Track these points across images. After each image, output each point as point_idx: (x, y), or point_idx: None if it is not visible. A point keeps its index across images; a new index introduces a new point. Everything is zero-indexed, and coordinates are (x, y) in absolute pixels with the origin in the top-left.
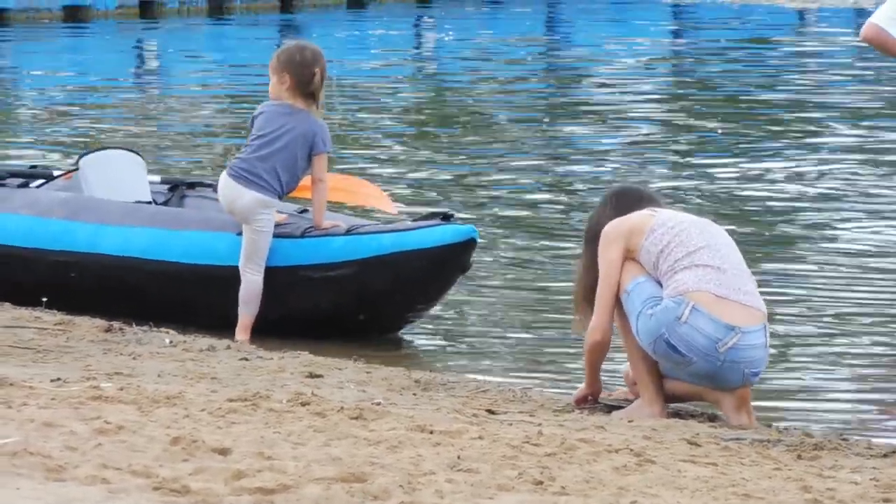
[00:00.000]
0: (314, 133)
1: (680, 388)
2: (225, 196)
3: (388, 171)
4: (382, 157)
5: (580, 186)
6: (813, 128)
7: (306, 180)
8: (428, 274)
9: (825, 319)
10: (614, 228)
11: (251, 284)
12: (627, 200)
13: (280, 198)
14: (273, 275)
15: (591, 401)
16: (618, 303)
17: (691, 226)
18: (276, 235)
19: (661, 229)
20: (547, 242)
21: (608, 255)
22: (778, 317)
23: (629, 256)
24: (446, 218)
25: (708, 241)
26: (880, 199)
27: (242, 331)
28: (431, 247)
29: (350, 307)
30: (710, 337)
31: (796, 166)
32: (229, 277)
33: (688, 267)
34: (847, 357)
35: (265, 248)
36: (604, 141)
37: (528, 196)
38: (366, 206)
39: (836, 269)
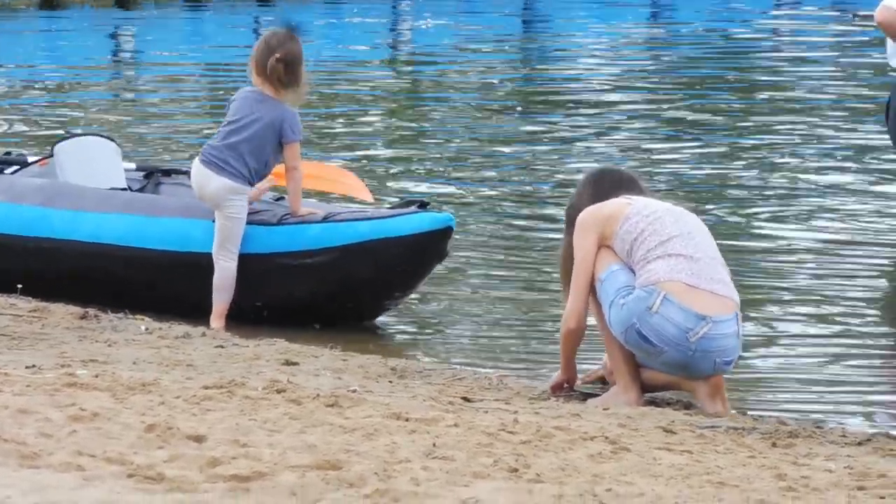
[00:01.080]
0: (282, 121)
1: (655, 378)
2: (196, 181)
3: (365, 159)
4: (359, 145)
5: (557, 174)
6: (788, 117)
7: (282, 167)
8: (405, 261)
9: (799, 307)
10: (590, 215)
11: (224, 271)
12: (607, 183)
13: (251, 184)
14: (249, 262)
15: (567, 388)
16: (593, 290)
17: (666, 214)
18: (252, 223)
19: (636, 217)
20: (524, 230)
21: (583, 242)
22: (752, 305)
23: (604, 244)
24: (423, 206)
25: (682, 230)
26: (853, 186)
27: (217, 318)
28: (408, 234)
29: (327, 294)
30: (681, 327)
31: (769, 154)
32: (205, 264)
33: (660, 256)
34: (821, 345)
35: (238, 235)
36: (581, 128)
37: (505, 184)
38: (343, 194)
39: (809, 257)
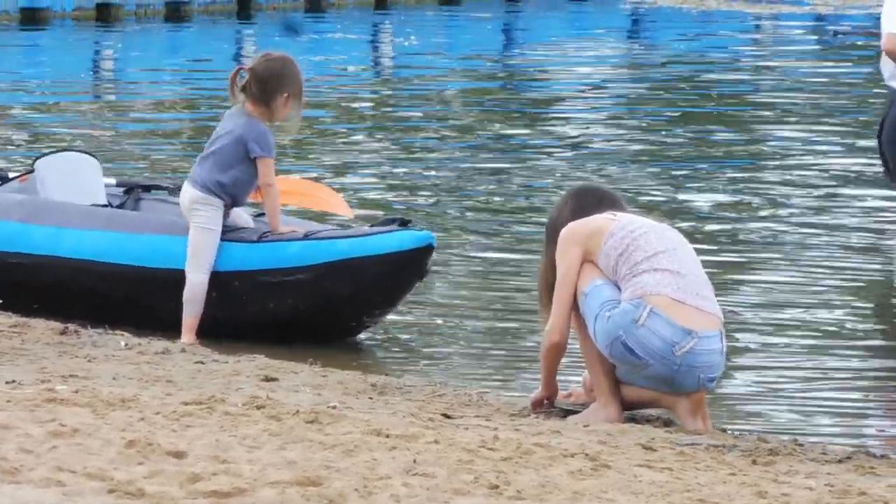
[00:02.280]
0: (247, 138)
1: (635, 394)
2: (180, 198)
3: (346, 175)
4: (340, 161)
5: (539, 191)
6: (769, 128)
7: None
8: (385, 279)
9: (780, 325)
10: (574, 231)
11: (193, 285)
12: (588, 199)
13: (220, 198)
14: (230, 279)
15: (548, 404)
16: (575, 305)
17: (651, 230)
18: (232, 240)
19: (621, 233)
20: (505, 246)
21: (567, 257)
22: (733, 322)
23: (587, 259)
24: (403, 224)
25: (667, 246)
26: (833, 204)
27: (187, 332)
28: (389, 252)
29: (307, 312)
30: (667, 340)
31: (750, 171)
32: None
33: (647, 270)
34: (802, 363)
35: (207, 248)
36: (562, 143)
37: (485, 200)
38: (322, 209)
39: (791, 274)
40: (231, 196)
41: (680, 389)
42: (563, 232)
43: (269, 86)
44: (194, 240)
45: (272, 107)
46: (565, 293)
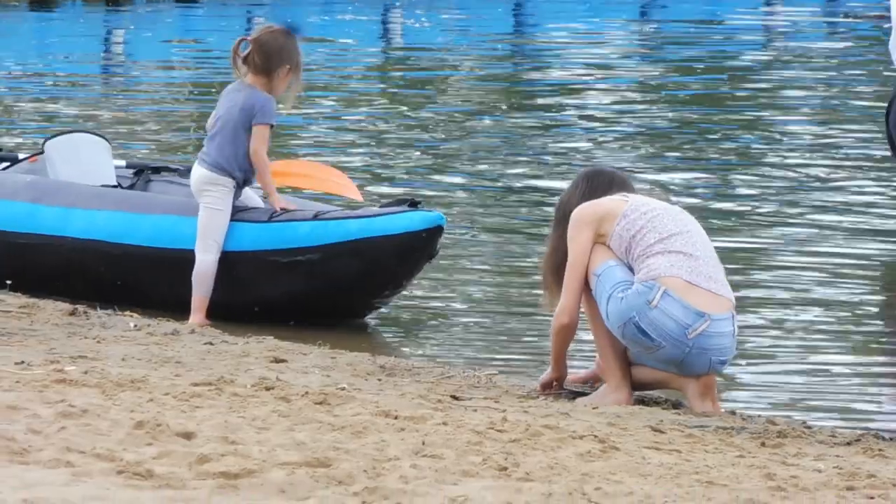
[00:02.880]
0: (252, 105)
1: (646, 375)
2: (191, 178)
3: (355, 157)
4: (349, 143)
5: (548, 172)
6: (780, 116)
7: (279, 165)
8: (394, 260)
9: (789, 306)
10: (586, 212)
11: (202, 264)
12: (599, 182)
13: (232, 177)
14: (240, 259)
15: (557, 386)
16: (586, 287)
17: (664, 212)
18: (242, 220)
19: (634, 214)
20: (515, 228)
21: (578, 238)
22: (742, 304)
23: (599, 241)
24: (413, 204)
25: (681, 228)
26: (848, 189)
27: (196, 312)
28: (398, 233)
29: (316, 292)
30: (680, 322)
31: (761, 156)
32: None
33: (660, 252)
34: (811, 345)
35: (217, 228)
36: (572, 126)
37: (495, 183)
38: (333, 192)
39: (801, 256)
40: (242, 171)
41: (690, 372)
42: (575, 213)
43: (271, 57)
44: (204, 220)
45: (273, 78)
46: (576, 274)
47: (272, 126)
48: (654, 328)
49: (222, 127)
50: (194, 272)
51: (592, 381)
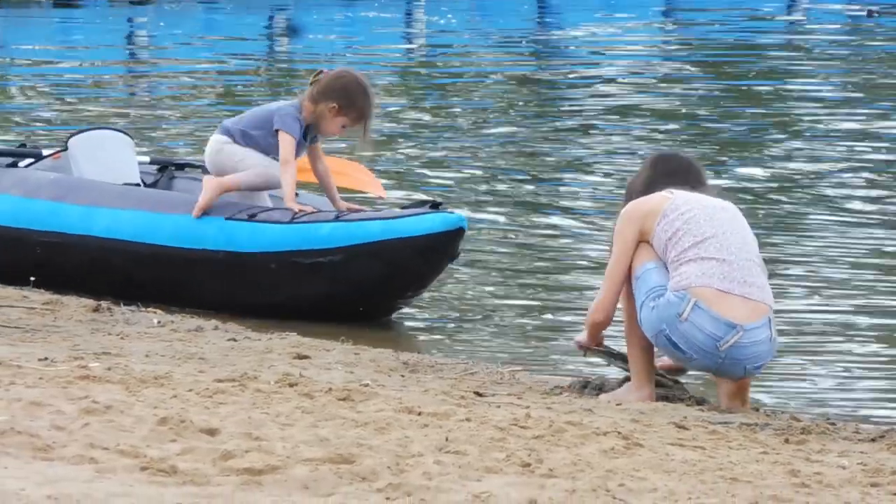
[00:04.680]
0: (276, 111)
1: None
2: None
3: (377, 156)
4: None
5: (571, 172)
6: (804, 106)
7: (304, 162)
8: (416, 262)
9: (814, 302)
10: (632, 210)
11: (284, 179)
12: (661, 171)
13: (235, 141)
14: (262, 260)
15: (598, 345)
16: (628, 283)
17: (702, 212)
18: (264, 220)
19: (673, 215)
20: (537, 225)
21: (623, 236)
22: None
23: (643, 239)
24: (435, 206)
25: (717, 230)
26: (874, 180)
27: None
28: (420, 235)
29: (338, 293)
30: (711, 335)
31: (793, 150)
32: (217, 261)
33: (693, 259)
34: (836, 341)
35: (268, 170)
36: (594, 125)
37: (518, 182)
38: (356, 189)
39: (825, 251)
40: (245, 140)
41: (726, 377)
42: (624, 210)
43: (324, 90)
44: (254, 174)
45: (318, 110)
46: (617, 272)
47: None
48: (685, 341)
49: (252, 112)
50: (284, 188)
51: (673, 367)
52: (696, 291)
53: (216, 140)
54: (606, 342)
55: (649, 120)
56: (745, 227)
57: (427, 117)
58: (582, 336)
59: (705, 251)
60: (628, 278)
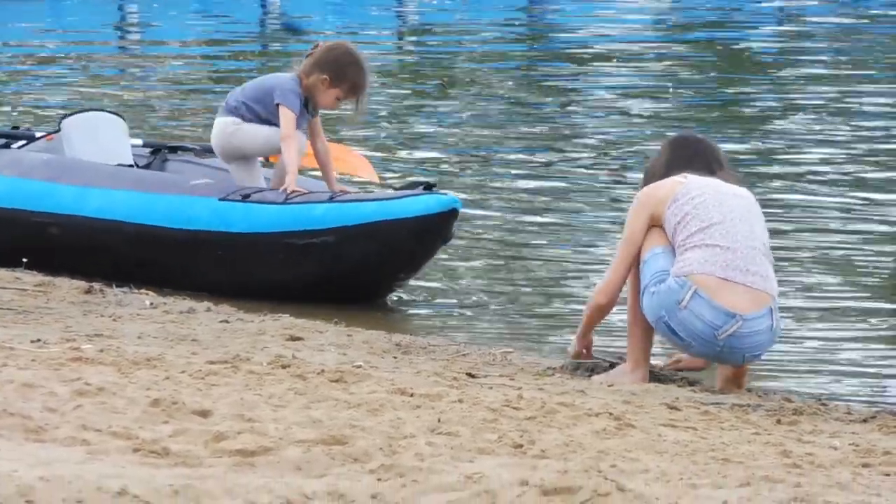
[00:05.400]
0: (274, 84)
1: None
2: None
3: (370, 138)
4: (364, 124)
5: (564, 152)
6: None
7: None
8: (410, 243)
9: (806, 286)
10: (646, 195)
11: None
12: (680, 154)
13: (241, 117)
14: (256, 241)
15: (586, 354)
16: (636, 265)
17: (712, 198)
18: (258, 201)
19: (683, 199)
20: (530, 209)
21: (635, 220)
22: None
23: (655, 224)
24: (429, 187)
25: (725, 216)
26: (869, 167)
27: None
28: (414, 216)
29: (331, 274)
30: (710, 324)
31: (786, 133)
32: (210, 242)
33: (697, 245)
34: (828, 323)
35: (260, 137)
36: (591, 104)
37: (511, 162)
38: (349, 173)
39: (820, 235)
40: (246, 111)
41: (724, 363)
42: (638, 195)
43: (316, 61)
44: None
45: (311, 82)
46: (625, 256)
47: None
48: (684, 328)
49: (249, 86)
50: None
51: (692, 368)
52: (698, 279)
53: (225, 122)
54: (595, 351)
55: (647, 98)
56: (756, 215)
57: (419, 100)
58: (573, 345)
59: (710, 237)
60: (637, 262)
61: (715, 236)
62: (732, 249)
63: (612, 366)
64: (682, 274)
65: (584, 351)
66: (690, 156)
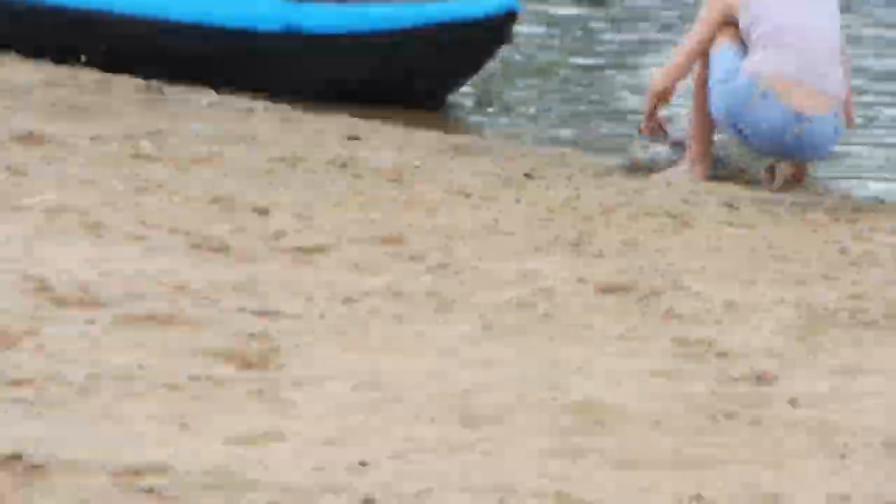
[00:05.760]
0: None
1: None
2: None
3: None
4: None
5: None
6: None
7: None
8: (469, 45)
9: (868, 88)
10: None
11: None
12: None
13: None
14: (314, 41)
15: (657, 129)
16: (704, 58)
17: None
18: (317, 0)
19: None
20: (591, 15)
21: (708, 14)
22: None
23: (729, 19)
24: None
25: (798, 16)
26: None
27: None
28: (474, 18)
29: (391, 76)
30: (776, 125)
31: None
32: (270, 41)
33: (770, 45)
34: (890, 125)
35: None
36: None
37: None
38: None
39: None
40: None
41: (787, 161)
42: None
43: None
44: None
45: None
46: (694, 46)
47: None
48: (750, 128)
49: None
50: None
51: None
52: (768, 79)
53: None
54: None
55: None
56: (832, 13)
57: None
58: (642, 125)
59: (783, 38)
60: (705, 54)
61: (788, 37)
62: (804, 51)
63: (678, 144)
64: (753, 73)
65: (656, 126)
66: None
